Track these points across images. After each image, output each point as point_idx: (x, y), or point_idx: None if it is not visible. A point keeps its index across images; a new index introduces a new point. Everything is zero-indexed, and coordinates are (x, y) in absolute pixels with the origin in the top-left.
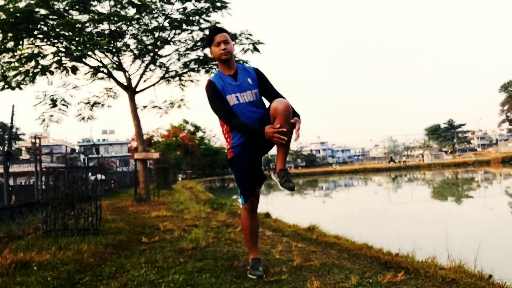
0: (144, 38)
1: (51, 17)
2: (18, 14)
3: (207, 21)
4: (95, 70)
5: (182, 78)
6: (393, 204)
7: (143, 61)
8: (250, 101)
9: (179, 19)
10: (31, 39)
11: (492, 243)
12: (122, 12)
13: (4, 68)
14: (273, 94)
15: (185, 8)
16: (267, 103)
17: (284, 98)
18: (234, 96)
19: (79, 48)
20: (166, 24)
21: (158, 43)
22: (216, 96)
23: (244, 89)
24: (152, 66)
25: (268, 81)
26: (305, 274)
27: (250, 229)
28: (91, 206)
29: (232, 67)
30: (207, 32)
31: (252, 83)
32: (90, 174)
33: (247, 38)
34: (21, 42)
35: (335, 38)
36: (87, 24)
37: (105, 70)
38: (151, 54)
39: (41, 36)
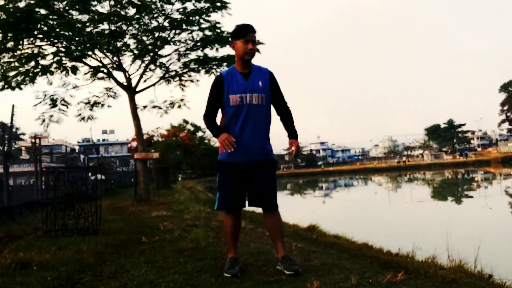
0: (144, 38)
1: (51, 17)
2: (18, 14)
3: (207, 21)
4: (95, 70)
5: (182, 78)
6: (393, 204)
7: (143, 61)
8: (256, 104)
9: (179, 19)
10: (31, 39)
11: (492, 243)
12: (122, 12)
13: (4, 68)
14: (280, 103)
15: (185, 8)
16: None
17: (289, 108)
18: (238, 96)
19: (79, 48)
20: (166, 24)
21: (158, 43)
22: (215, 92)
23: (252, 91)
24: (152, 66)
25: (279, 88)
26: (305, 274)
27: (230, 230)
28: (91, 206)
29: (248, 66)
30: (207, 32)
31: (261, 87)
32: (90, 174)
33: None
34: (21, 42)
35: (335, 36)
36: (87, 24)
37: (105, 70)
38: (151, 54)
39: (41, 36)
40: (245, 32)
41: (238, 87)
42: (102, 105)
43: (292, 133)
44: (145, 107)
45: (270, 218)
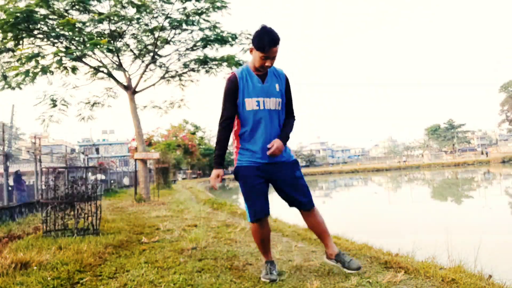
0: (144, 38)
1: (51, 17)
2: (18, 14)
3: (207, 21)
4: (95, 70)
5: (182, 78)
6: (393, 204)
7: (143, 61)
8: (272, 110)
9: (179, 19)
10: (31, 39)
11: (492, 243)
12: (122, 12)
13: (4, 68)
14: (287, 110)
15: (185, 8)
16: None
17: (293, 118)
18: (255, 100)
19: (79, 48)
20: (166, 24)
21: (158, 43)
22: (230, 94)
23: (269, 95)
24: (152, 66)
25: (291, 95)
26: (305, 274)
27: (261, 238)
28: (91, 206)
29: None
30: (207, 32)
31: (278, 91)
32: (90, 174)
33: (247, 38)
34: (21, 42)
35: (334, 34)
36: (87, 24)
37: (105, 70)
38: (151, 54)
39: (41, 36)
40: (266, 48)
41: (255, 90)
42: (102, 105)
43: (282, 135)
44: (145, 107)
45: (310, 217)
